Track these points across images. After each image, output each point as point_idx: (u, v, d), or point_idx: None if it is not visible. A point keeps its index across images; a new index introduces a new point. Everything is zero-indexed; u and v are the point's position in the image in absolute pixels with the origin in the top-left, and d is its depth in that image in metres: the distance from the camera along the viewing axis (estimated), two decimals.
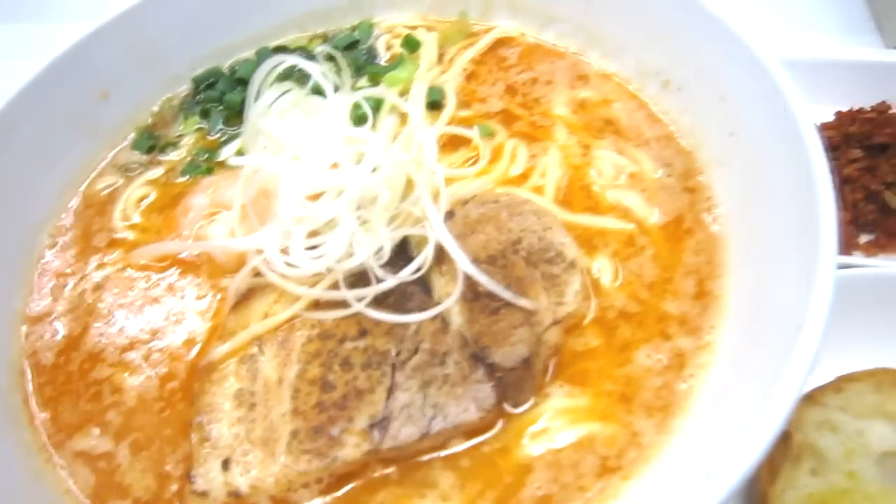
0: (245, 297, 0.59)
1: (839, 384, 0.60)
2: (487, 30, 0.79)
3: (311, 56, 0.76)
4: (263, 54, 0.80)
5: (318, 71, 0.57)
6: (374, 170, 0.57)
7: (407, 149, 0.61)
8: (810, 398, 0.60)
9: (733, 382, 0.50)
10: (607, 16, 0.72)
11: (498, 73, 0.75)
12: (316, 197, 0.56)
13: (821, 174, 0.51)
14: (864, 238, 0.76)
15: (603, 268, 0.58)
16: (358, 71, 0.77)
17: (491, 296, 0.54)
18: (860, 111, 0.84)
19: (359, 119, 0.64)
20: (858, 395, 0.58)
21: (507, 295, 0.53)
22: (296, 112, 0.58)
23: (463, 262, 0.53)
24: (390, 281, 0.53)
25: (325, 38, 0.82)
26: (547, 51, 0.76)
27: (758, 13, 1.03)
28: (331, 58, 0.68)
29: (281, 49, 0.82)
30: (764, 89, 0.58)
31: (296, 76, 0.68)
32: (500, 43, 0.78)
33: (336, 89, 0.63)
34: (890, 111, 0.83)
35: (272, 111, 0.59)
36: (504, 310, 0.54)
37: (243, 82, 0.75)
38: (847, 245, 0.73)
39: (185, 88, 0.79)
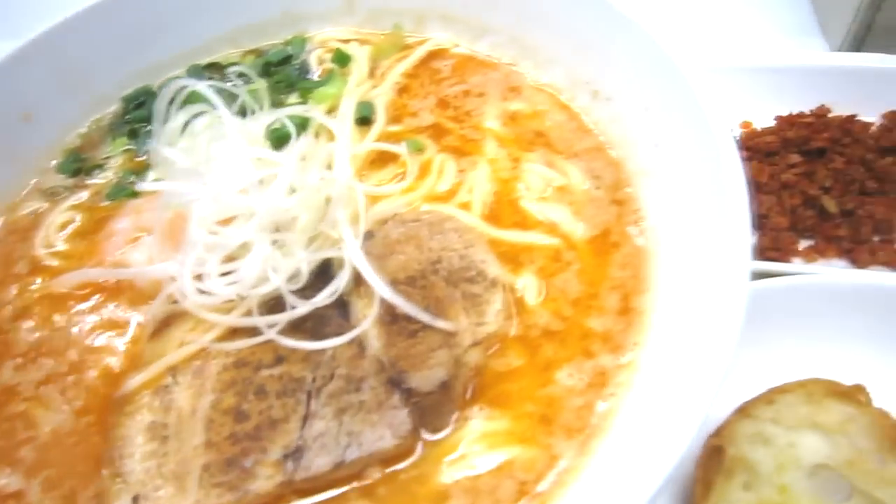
0: (164, 325, 0.58)
1: (771, 396, 0.59)
2: (421, 42, 0.78)
3: (241, 74, 0.75)
4: (194, 71, 0.79)
5: (214, 96, 0.56)
6: (290, 191, 0.56)
7: (330, 168, 0.60)
8: (743, 411, 0.59)
9: (652, 401, 0.49)
10: (537, 26, 0.71)
11: (430, 86, 0.74)
12: (228, 221, 0.54)
13: (734, 185, 0.51)
14: (803, 244, 0.75)
15: (528, 285, 0.57)
16: (290, 87, 0.75)
17: (409, 318, 0.53)
18: (800, 115, 0.83)
19: (281, 138, 0.63)
20: (789, 407, 0.58)
21: (424, 317, 0.52)
22: (209, 134, 0.56)
23: (377, 285, 0.52)
24: (303, 307, 0.52)
25: (258, 54, 0.80)
26: (480, 62, 0.75)
27: (703, 18, 1.03)
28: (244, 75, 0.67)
29: (213, 66, 0.80)
30: (681, 99, 0.58)
31: (224, 95, 0.67)
32: (434, 55, 0.77)
33: (245, 110, 0.62)
34: (829, 115, 0.83)
35: (183, 134, 0.58)
36: (422, 332, 0.53)
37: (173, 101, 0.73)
38: (786, 251, 0.73)
39: (114, 109, 0.77)
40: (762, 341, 0.65)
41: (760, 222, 0.75)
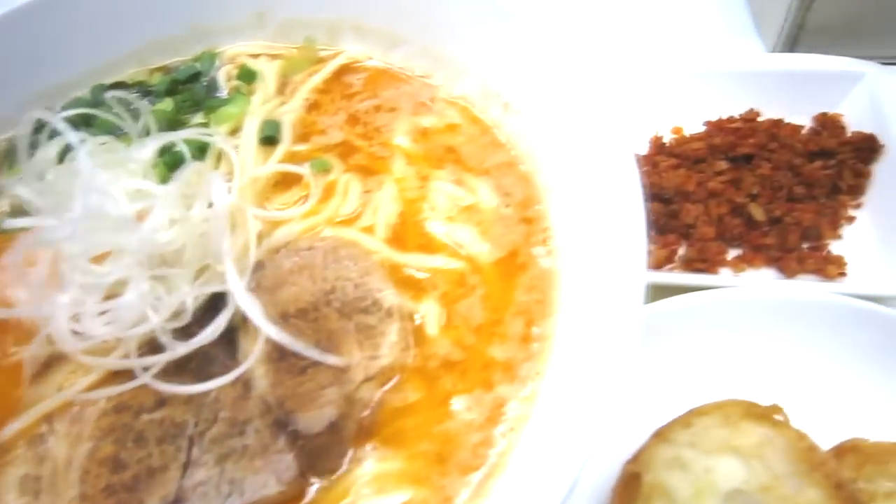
0: (45, 367, 0.55)
1: (688, 419, 0.57)
2: (334, 55, 0.75)
3: (147, 91, 0.72)
4: (98, 92, 0.75)
5: (68, 129, 0.53)
6: (171, 223, 0.52)
7: (222, 195, 0.57)
8: (660, 435, 0.57)
9: (549, 435, 0.46)
10: (447, 36, 0.69)
11: (341, 101, 0.71)
12: (103, 258, 0.51)
13: (631, 201, 0.48)
14: (732, 253, 0.73)
15: (429, 312, 0.55)
16: (196, 106, 0.72)
17: (298, 355, 0.50)
18: (729, 120, 0.81)
19: (175, 164, 0.60)
20: (706, 430, 0.55)
21: (312, 353, 0.49)
22: (73, 167, 0.53)
23: (260, 322, 0.49)
24: (181, 348, 0.49)
25: (166, 71, 0.77)
26: (393, 75, 0.73)
27: (636, 19, 1.01)
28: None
29: (119, 85, 0.77)
30: (585, 110, 0.55)
31: (126, 116, 0.64)
32: (348, 69, 0.74)
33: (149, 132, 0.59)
34: (759, 119, 0.81)
35: (52, 167, 0.54)
36: (312, 369, 0.50)
37: (75, 123, 0.70)
38: (713, 262, 0.70)
39: (12, 133, 0.73)
40: (682, 359, 0.63)
41: (688, 232, 0.73)
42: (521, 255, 0.57)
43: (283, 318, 0.51)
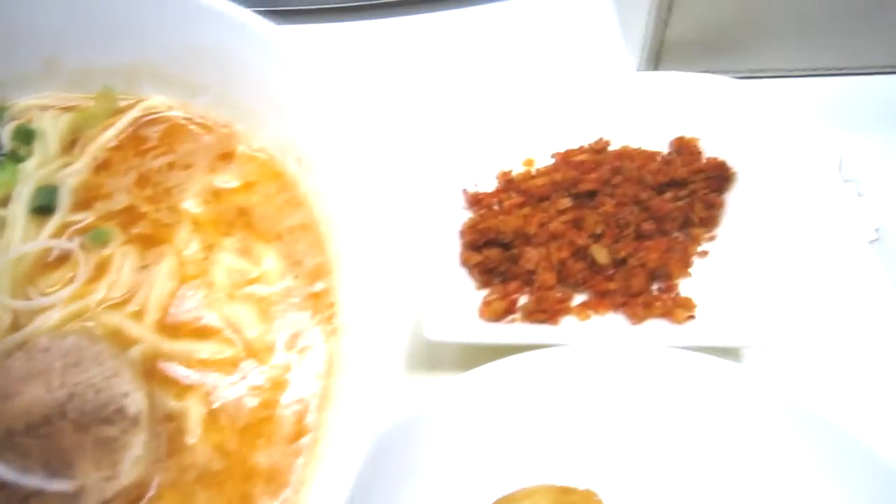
0: None
1: None
2: (135, 104, 0.68)
3: None
4: None
5: None
6: None
7: None
8: None
9: None
10: (241, 84, 0.62)
11: (134, 158, 0.64)
12: None
13: (399, 278, 0.42)
14: (577, 299, 0.67)
15: (192, 412, 0.48)
16: None
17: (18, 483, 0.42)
18: (579, 150, 0.76)
19: None
20: None
21: (32, 480, 0.42)
22: None
23: None
24: None
25: None
26: (193, 127, 0.65)
27: (501, 36, 0.95)
28: None
29: None
30: (373, 168, 0.49)
31: None
32: (146, 121, 0.67)
33: None
34: (609, 148, 0.75)
35: None
36: (35, 499, 0.43)
37: None
38: (555, 311, 0.65)
39: None
40: (497, 436, 0.57)
41: (530, 279, 0.67)
42: (303, 336, 0.51)
43: (10, 436, 0.44)
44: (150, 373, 0.49)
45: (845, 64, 0.85)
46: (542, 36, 0.96)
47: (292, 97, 0.58)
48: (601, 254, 0.65)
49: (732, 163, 0.71)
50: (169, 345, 0.51)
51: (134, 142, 0.66)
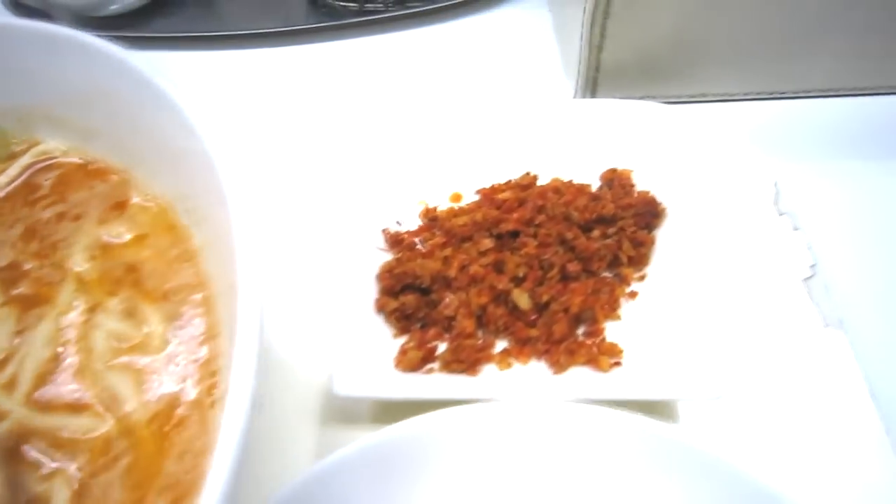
0: None
1: None
2: (28, 149, 0.64)
3: None
4: None
5: None
6: None
7: None
8: None
9: None
10: (132, 129, 0.58)
11: (23, 209, 0.60)
12: None
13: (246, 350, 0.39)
14: (500, 345, 0.64)
15: (56, 496, 0.44)
16: None
17: None
18: (505, 185, 0.73)
19: None
20: None
21: None
22: None
23: None
24: None
25: None
26: (88, 173, 0.62)
27: (431, 62, 0.92)
28: None
29: None
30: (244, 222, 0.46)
31: None
32: (41, 167, 0.63)
33: None
34: (536, 185, 0.72)
35: None
36: None
37: None
38: (474, 361, 0.61)
39: None
40: (408, 497, 0.54)
41: (450, 325, 0.64)
42: (182, 406, 0.47)
43: None
44: (13, 453, 0.45)
45: (784, 88, 0.82)
46: (477, 63, 0.93)
47: (181, 144, 0.54)
48: (522, 298, 0.62)
49: (664, 197, 0.68)
50: (39, 419, 0.47)
51: (24, 190, 0.62)
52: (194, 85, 0.90)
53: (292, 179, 0.78)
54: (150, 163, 0.59)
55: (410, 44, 0.95)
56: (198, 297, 0.52)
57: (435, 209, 0.72)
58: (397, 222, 0.71)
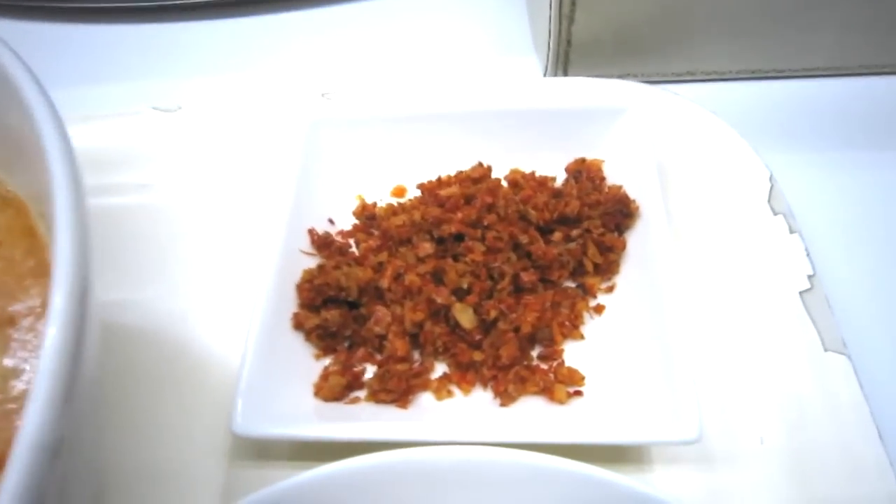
0: None
1: None
2: None
3: None
4: None
5: None
6: None
7: None
8: None
9: None
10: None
11: None
12: None
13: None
14: (438, 370, 0.54)
15: None
16: None
17: None
18: (453, 178, 0.62)
19: None
20: None
21: None
22: None
23: None
24: None
25: None
26: None
27: (383, 37, 0.81)
28: None
29: None
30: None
31: None
32: None
33: None
34: (489, 177, 0.62)
35: None
36: None
37: None
38: (406, 390, 0.51)
39: None
40: None
41: (381, 346, 0.53)
42: None
43: None
44: None
45: (781, 66, 0.72)
46: (436, 37, 0.82)
47: (33, 140, 0.43)
48: (465, 315, 0.51)
49: (637, 193, 0.57)
50: None
51: None
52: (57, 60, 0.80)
53: (213, 170, 0.67)
54: (7, 158, 0.48)
55: (357, 16, 0.84)
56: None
57: (373, 206, 0.62)
58: (329, 220, 0.60)
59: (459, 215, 0.55)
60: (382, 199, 0.63)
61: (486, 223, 0.56)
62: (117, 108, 0.72)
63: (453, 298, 0.53)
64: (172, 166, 0.69)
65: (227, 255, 0.61)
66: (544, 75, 0.75)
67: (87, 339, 0.32)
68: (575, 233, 0.57)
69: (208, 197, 0.66)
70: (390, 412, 0.51)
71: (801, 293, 0.55)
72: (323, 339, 0.54)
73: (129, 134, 0.72)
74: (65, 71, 0.80)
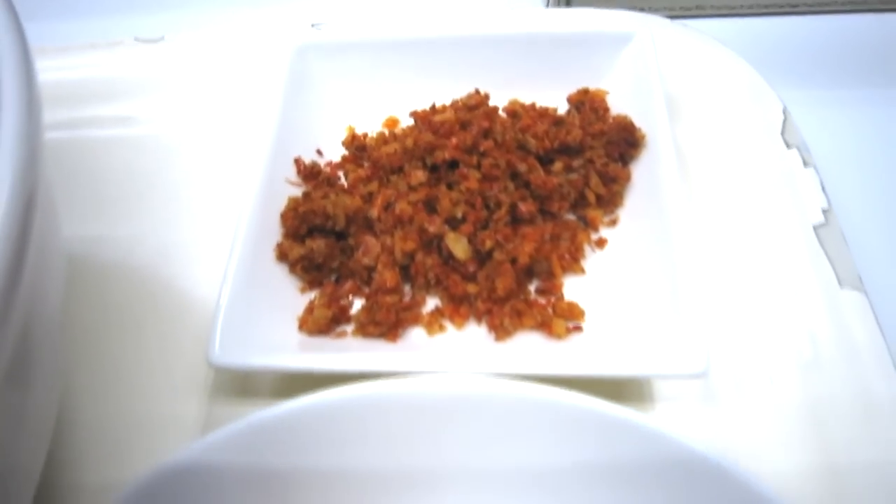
0: None
1: None
2: None
3: None
4: None
5: None
6: None
7: None
8: None
9: None
10: None
11: None
12: None
13: None
14: (430, 304, 0.51)
15: None
16: None
17: None
18: (449, 106, 0.58)
19: None
20: None
21: None
22: None
23: None
24: None
25: None
26: None
27: None
28: None
29: None
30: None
31: None
32: None
33: None
34: (487, 104, 0.58)
35: None
36: None
37: None
38: (395, 324, 0.48)
39: None
40: (306, 487, 0.41)
41: (370, 278, 0.50)
42: None
43: None
44: None
45: (793, 1, 0.68)
46: None
47: None
48: (458, 245, 0.48)
49: (644, 122, 0.54)
50: None
51: None
52: None
53: (198, 103, 0.64)
54: None
55: None
56: None
57: (364, 136, 0.58)
58: (318, 151, 0.57)
59: (454, 141, 0.52)
60: (374, 130, 0.60)
61: (482, 150, 0.52)
62: (97, 39, 0.69)
63: (446, 228, 0.50)
64: (156, 98, 0.66)
65: (213, 190, 0.58)
66: (546, 6, 0.71)
67: (28, 260, 0.28)
68: (577, 163, 0.54)
69: (193, 130, 0.63)
70: (379, 346, 0.48)
71: (815, 227, 0.52)
72: (308, 271, 0.51)
73: (111, 65, 0.68)
74: (40, 3, 0.76)
